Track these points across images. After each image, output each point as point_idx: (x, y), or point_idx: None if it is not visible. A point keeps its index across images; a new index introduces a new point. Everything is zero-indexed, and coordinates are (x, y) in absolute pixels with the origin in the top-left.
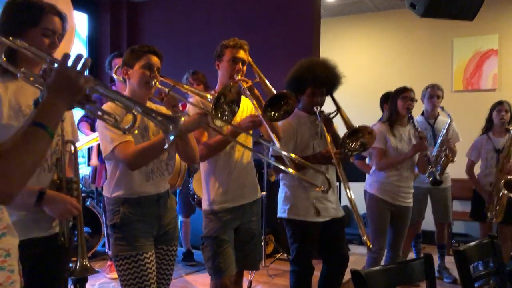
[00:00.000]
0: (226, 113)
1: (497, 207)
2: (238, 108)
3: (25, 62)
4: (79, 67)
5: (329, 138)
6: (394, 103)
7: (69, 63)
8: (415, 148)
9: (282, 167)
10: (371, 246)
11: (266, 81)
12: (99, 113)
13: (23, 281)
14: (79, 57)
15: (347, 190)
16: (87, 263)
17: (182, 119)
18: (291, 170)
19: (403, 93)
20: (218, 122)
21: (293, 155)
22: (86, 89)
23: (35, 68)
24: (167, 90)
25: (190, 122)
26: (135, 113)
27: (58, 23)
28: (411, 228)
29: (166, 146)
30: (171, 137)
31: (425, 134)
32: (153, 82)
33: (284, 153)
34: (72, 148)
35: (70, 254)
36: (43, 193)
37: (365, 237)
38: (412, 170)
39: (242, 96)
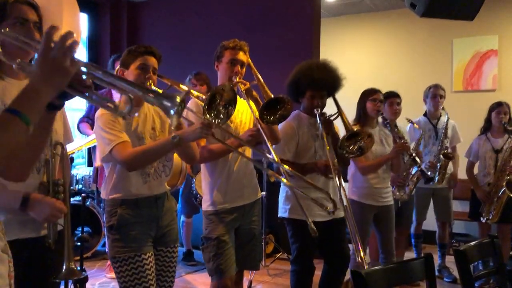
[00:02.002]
0: (220, 115)
1: (495, 207)
2: (234, 109)
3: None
4: (64, 47)
5: (329, 149)
6: (363, 105)
7: (53, 43)
8: (397, 148)
9: (279, 176)
10: (367, 266)
11: (264, 84)
12: (96, 98)
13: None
14: (65, 36)
15: (344, 199)
16: (73, 266)
17: (178, 98)
18: (285, 181)
19: (373, 95)
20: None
21: (287, 167)
22: (73, 72)
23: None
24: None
25: (191, 132)
26: (131, 96)
27: (29, 11)
28: (405, 229)
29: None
30: (172, 112)
31: (403, 134)
32: (148, 84)
33: (281, 166)
34: (61, 149)
35: (58, 257)
36: (27, 199)
37: (362, 254)
38: (388, 171)
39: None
